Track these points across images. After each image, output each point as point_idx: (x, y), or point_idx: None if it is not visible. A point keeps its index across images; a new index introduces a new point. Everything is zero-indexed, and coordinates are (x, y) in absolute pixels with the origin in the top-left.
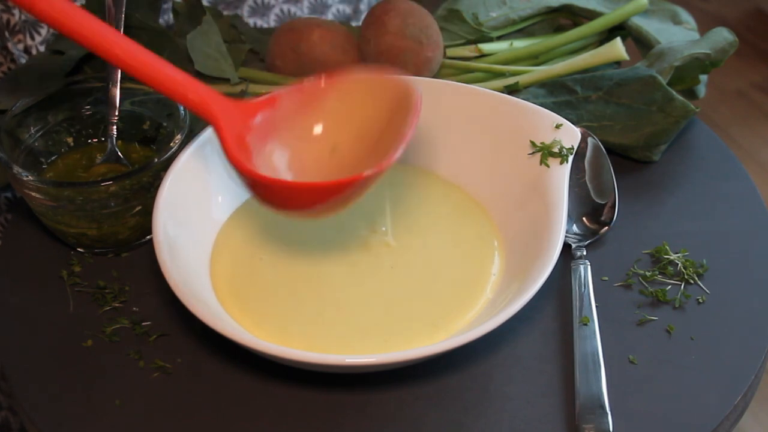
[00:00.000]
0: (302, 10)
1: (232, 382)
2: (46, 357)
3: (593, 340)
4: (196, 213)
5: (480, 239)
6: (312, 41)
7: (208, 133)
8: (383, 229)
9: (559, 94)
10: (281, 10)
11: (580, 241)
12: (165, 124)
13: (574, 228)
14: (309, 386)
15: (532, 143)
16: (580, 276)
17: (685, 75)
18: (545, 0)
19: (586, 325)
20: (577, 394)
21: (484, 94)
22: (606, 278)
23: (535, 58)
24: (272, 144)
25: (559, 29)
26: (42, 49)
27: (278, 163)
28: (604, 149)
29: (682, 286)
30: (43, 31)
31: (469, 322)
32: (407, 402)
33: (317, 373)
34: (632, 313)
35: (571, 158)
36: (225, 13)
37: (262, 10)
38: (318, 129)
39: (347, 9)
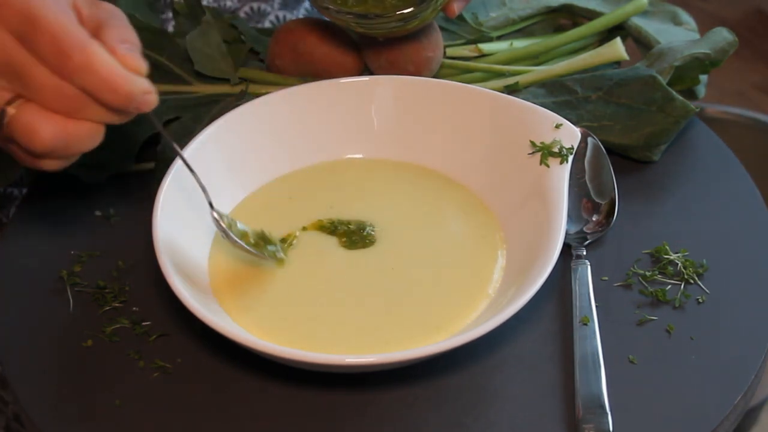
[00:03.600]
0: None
1: (232, 382)
2: (46, 357)
3: (593, 340)
4: (195, 212)
5: (481, 239)
6: (312, 41)
7: (208, 132)
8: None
9: (559, 94)
10: (276, 17)
11: (580, 241)
12: None
13: (574, 228)
14: (309, 386)
15: (532, 143)
16: (580, 276)
17: (685, 75)
18: (545, 0)
19: (586, 325)
20: (577, 394)
21: (484, 94)
22: (606, 278)
23: (535, 58)
24: None
25: (559, 29)
26: None
27: None
28: (604, 149)
29: (682, 286)
30: None
31: (470, 322)
32: (407, 402)
33: (317, 373)
34: (632, 313)
35: (571, 158)
36: None
37: (257, 17)
38: None
39: None
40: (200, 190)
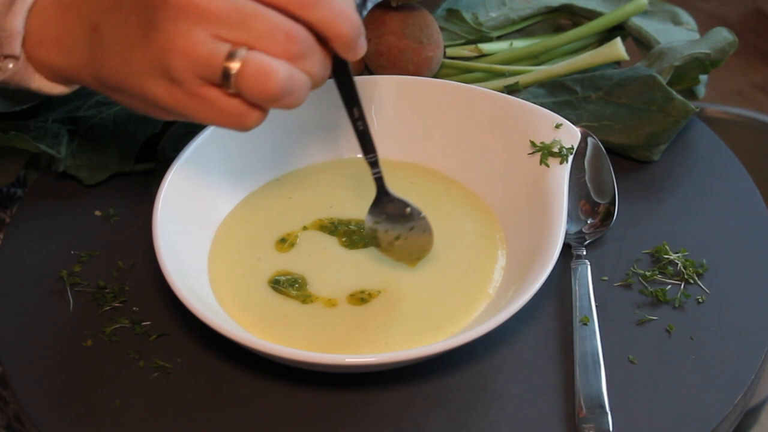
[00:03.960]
0: None
1: (232, 382)
2: (46, 357)
3: (593, 340)
4: (195, 212)
5: (482, 239)
6: None
7: (208, 132)
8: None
9: (559, 94)
10: None
11: (580, 241)
12: None
13: (574, 228)
14: (309, 386)
15: (532, 143)
16: (580, 276)
17: (685, 75)
18: (545, 0)
19: (586, 325)
20: (577, 394)
21: (484, 94)
22: (606, 278)
23: (535, 58)
24: None
25: (559, 29)
26: None
27: None
28: (604, 149)
29: (682, 286)
30: None
31: (470, 322)
32: (407, 402)
33: (317, 373)
34: (632, 313)
35: (571, 158)
36: None
37: None
38: None
39: None
40: (200, 189)
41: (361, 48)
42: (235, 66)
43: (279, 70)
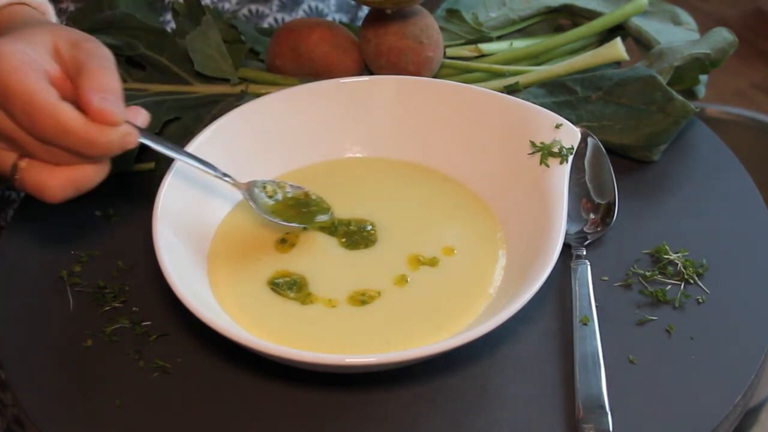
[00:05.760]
0: None
1: (232, 382)
2: (46, 357)
3: (593, 340)
4: (195, 213)
5: (481, 239)
6: (312, 41)
7: (208, 132)
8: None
9: (559, 94)
10: (275, 20)
11: (580, 241)
12: None
13: (574, 228)
14: (309, 386)
15: (532, 143)
16: (580, 276)
17: (685, 75)
18: (545, 0)
19: (586, 325)
20: (577, 394)
21: (484, 94)
22: (606, 278)
23: (535, 58)
24: None
25: (559, 29)
26: None
27: None
28: (604, 149)
29: (682, 286)
30: None
31: (470, 322)
32: (407, 402)
33: (317, 373)
34: (632, 313)
35: (571, 158)
36: None
37: (255, 19)
38: None
39: (344, 18)
40: (200, 190)
41: (122, 146)
42: (22, 165)
43: (51, 183)
